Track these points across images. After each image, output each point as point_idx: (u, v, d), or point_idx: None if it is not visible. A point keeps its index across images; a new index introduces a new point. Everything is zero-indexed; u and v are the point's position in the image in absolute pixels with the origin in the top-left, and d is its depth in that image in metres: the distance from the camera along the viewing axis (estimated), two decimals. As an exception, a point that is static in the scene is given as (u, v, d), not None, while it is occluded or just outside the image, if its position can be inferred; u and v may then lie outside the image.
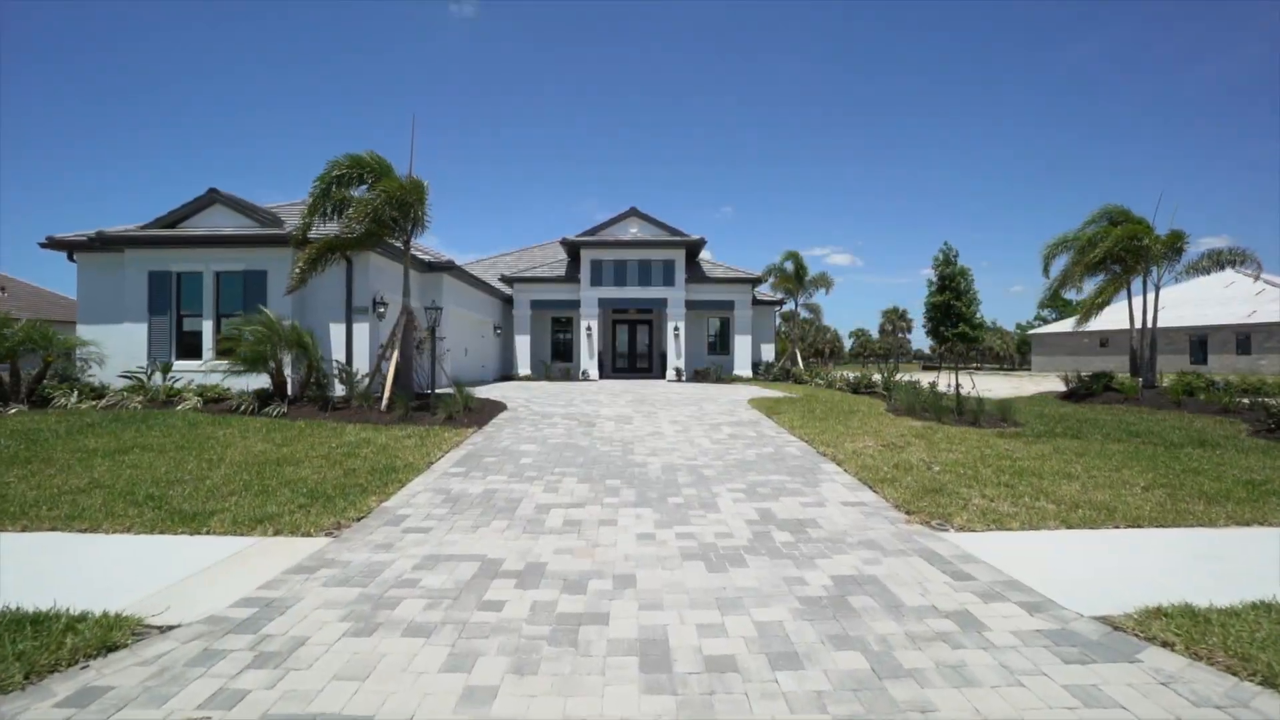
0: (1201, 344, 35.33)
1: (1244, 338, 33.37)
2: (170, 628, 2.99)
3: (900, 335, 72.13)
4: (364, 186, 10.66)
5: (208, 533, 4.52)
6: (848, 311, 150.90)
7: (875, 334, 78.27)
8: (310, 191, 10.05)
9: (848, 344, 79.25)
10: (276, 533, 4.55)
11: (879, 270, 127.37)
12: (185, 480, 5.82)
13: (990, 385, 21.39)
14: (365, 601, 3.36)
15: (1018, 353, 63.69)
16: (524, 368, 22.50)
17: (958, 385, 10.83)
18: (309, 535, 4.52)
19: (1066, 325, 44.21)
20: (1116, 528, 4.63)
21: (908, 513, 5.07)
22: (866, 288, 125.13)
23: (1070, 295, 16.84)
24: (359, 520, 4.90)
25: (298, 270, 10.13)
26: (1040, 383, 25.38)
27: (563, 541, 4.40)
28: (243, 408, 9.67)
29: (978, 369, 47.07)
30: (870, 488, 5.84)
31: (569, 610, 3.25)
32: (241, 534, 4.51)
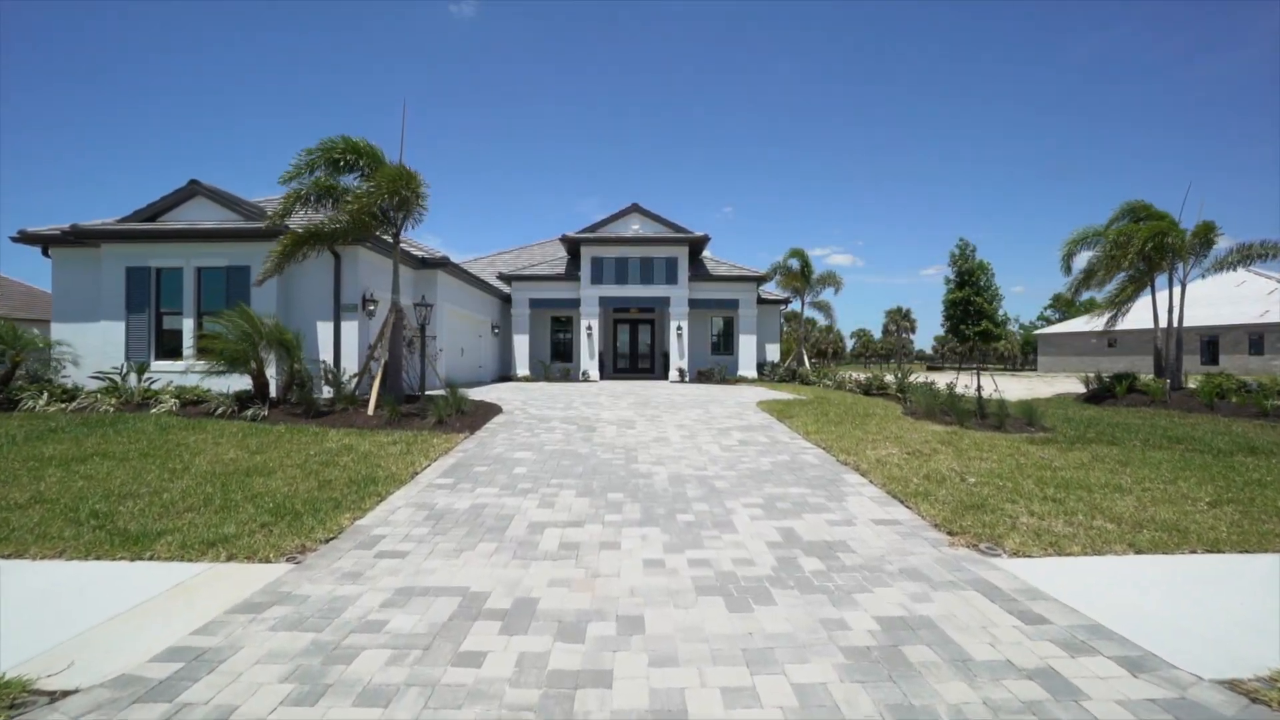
0: (1212, 344, 34.68)
1: (1257, 338, 32.71)
2: (65, 693, 2.40)
3: (904, 335, 71.46)
4: (355, 174, 10.09)
5: (151, 558, 3.94)
6: (848, 311, 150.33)
7: (877, 334, 77.68)
8: (295, 163, 9.43)
9: (849, 344, 78.71)
10: (230, 558, 3.96)
11: (879, 270, 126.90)
12: (140, 494, 5.23)
13: (1002, 386, 20.77)
14: (316, 653, 2.77)
15: (1021, 353, 63.11)
16: (522, 368, 21.90)
17: (979, 387, 10.23)
18: (267, 561, 3.94)
19: (1074, 325, 43.56)
20: (1193, 552, 4.03)
21: (950, 533, 4.48)
22: (867, 288, 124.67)
23: (1088, 294, 16.19)
24: (328, 542, 4.31)
25: (274, 256, 9.49)
26: (1053, 383, 24.78)
27: (558, 570, 3.81)
28: (221, 411, 9.07)
29: (982, 369, 46.32)
30: (902, 503, 5.24)
31: (563, 666, 2.66)
32: (190, 559, 3.93)
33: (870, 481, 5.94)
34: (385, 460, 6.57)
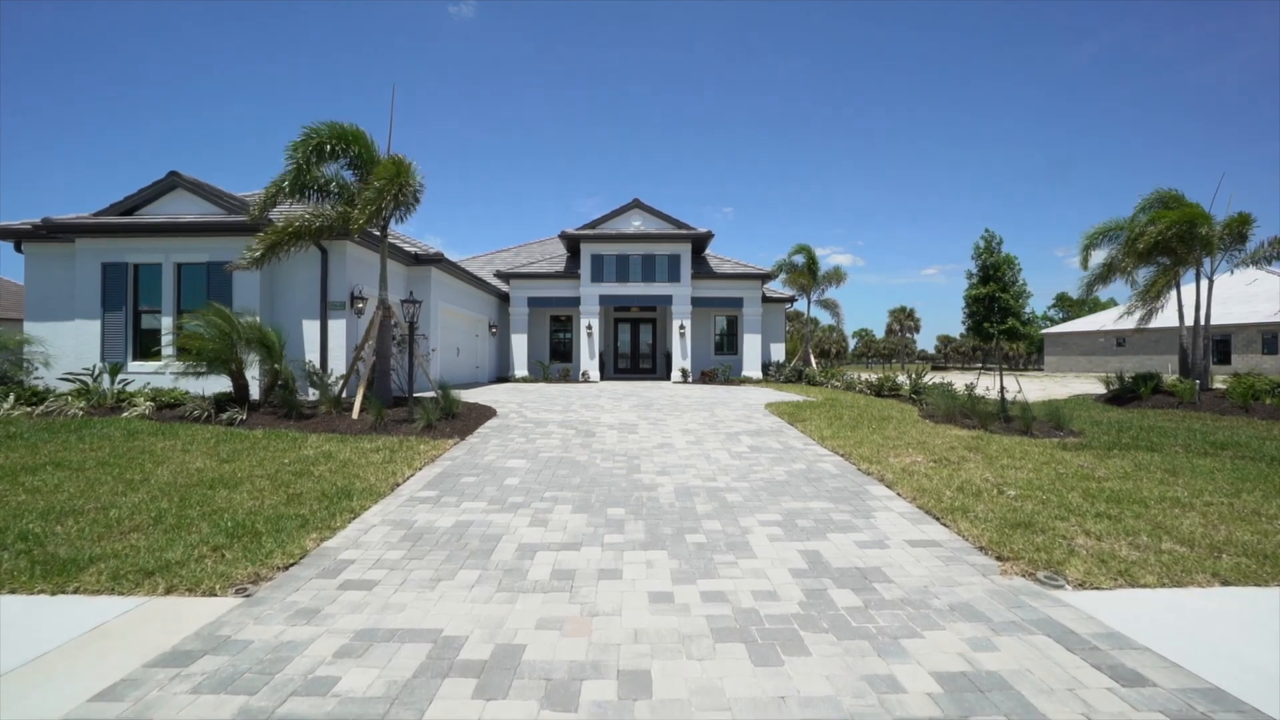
0: (1223, 344, 34.02)
1: (1270, 337, 32.07)
2: (-103, 797, 1.84)
3: (907, 335, 70.73)
4: (343, 162, 9.53)
5: (75, 590, 3.38)
6: (849, 311, 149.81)
7: (880, 333, 76.99)
8: (291, 155, 8.90)
9: (851, 344, 78.01)
10: (169, 590, 3.40)
11: (880, 270, 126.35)
12: (85, 510, 4.67)
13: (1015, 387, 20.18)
14: (242, 727, 2.21)
15: (1026, 353, 62.41)
16: (521, 369, 21.34)
17: (1002, 388, 9.66)
18: (211, 594, 3.38)
19: (1081, 324, 42.95)
20: (1290, 584, 3.46)
21: (999, 558, 3.91)
22: (867, 287, 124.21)
23: (1102, 290, 15.55)
24: (287, 569, 3.75)
25: (255, 249, 8.92)
26: (1065, 384, 24.18)
27: (549, 606, 3.25)
28: (197, 414, 8.52)
29: (984, 370, 45.60)
30: (938, 520, 4.67)
31: (550, 749, 2.09)
32: (121, 592, 3.37)
33: (898, 494, 5.37)
34: (365, 470, 6.02)
